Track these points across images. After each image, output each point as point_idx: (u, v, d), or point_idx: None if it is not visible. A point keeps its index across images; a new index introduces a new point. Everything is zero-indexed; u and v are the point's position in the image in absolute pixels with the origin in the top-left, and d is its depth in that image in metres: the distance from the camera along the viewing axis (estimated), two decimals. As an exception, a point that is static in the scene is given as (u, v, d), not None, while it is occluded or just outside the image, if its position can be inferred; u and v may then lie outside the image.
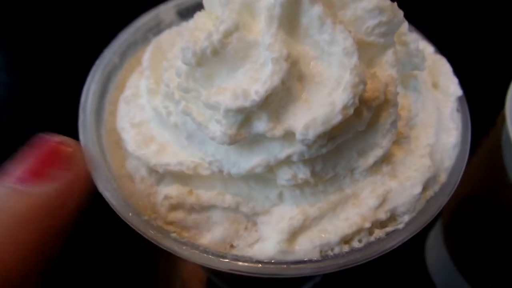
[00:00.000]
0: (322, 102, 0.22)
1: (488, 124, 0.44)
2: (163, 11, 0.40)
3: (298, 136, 0.22)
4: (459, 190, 0.52)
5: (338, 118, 0.21)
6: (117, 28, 0.39)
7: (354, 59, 0.22)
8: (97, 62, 0.35)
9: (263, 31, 0.23)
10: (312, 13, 0.22)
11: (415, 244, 0.60)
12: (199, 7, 0.35)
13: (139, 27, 0.38)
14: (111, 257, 0.57)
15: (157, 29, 0.40)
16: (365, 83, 0.22)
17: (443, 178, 0.27)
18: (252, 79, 0.23)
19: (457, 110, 0.31)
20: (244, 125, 0.23)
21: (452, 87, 0.31)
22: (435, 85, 0.32)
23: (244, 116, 0.22)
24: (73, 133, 0.31)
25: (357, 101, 0.22)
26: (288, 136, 0.23)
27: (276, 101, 0.22)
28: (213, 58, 0.23)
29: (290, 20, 0.23)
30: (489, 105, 0.41)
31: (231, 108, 0.22)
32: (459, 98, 0.31)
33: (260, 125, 0.23)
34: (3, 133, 0.71)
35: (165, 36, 0.36)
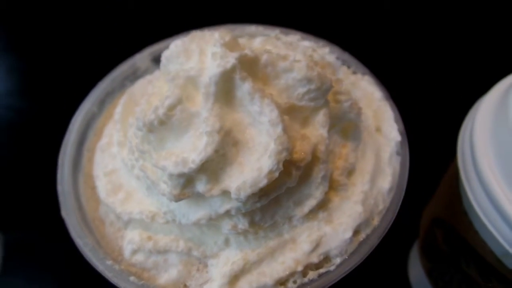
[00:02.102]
0: (252, 167, 0.25)
1: (453, 149, 0.46)
2: (139, 60, 0.43)
3: (232, 196, 0.25)
4: (431, 211, 0.55)
5: (264, 181, 0.25)
6: (95, 71, 0.43)
7: (279, 130, 0.25)
8: (77, 112, 0.39)
9: (201, 105, 0.26)
10: (243, 89, 0.26)
11: (399, 259, 0.63)
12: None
13: (116, 76, 0.42)
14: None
15: (134, 76, 0.43)
16: (288, 150, 0.25)
17: (376, 221, 0.30)
18: (194, 146, 0.26)
19: (397, 154, 0.34)
20: (187, 185, 0.26)
21: (393, 132, 0.34)
22: (378, 129, 0.35)
23: (186, 179, 0.26)
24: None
25: (281, 166, 0.25)
26: (226, 194, 0.26)
27: (213, 165, 0.26)
28: (160, 127, 0.27)
29: (226, 93, 0.26)
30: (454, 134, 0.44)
31: (173, 173, 0.25)
32: (400, 142, 0.34)
33: (200, 186, 0.26)
34: (11, 157, 0.77)
35: (138, 86, 0.40)
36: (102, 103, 0.41)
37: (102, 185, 0.34)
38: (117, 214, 0.31)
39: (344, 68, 0.40)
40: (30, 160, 0.76)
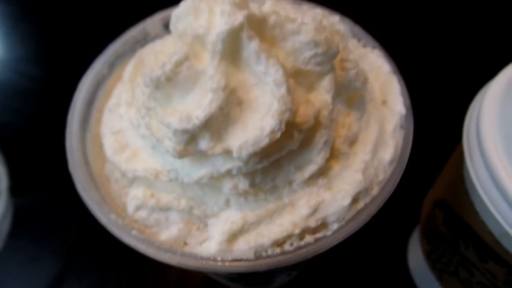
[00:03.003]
0: (255, 126, 0.26)
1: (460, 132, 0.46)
2: (150, 24, 0.43)
3: (234, 155, 0.26)
4: (433, 194, 0.55)
5: (265, 141, 0.25)
6: (109, 37, 0.43)
7: (283, 90, 0.25)
8: (87, 72, 0.39)
9: (208, 63, 0.26)
10: (249, 48, 0.26)
11: (398, 242, 0.63)
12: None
13: (127, 40, 0.42)
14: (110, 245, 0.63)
15: (144, 41, 0.44)
16: (291, 111, 0.25)
17: (375, 191, 0.30)
18: (199, 103, 0.27)
19: (401, 127, 0.34)
20: (191, 142, 0.27)
21: (398, 105, 0.34)
22: (384, 102, 0.35)
23: (189, 136, 0.26)
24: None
25: (283, 126, 0.25)
26: (229, 153, 0.27)
27: (217, 123, 0.26)
28: (167, 83, 0.27)
29: (233, 52, 0.27)
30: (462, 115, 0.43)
31: (178, 129, 0.26)
32: (405, 116, 0.34)
33: (203, 143, 0.26)
34: (27, 125, 0.78)
35: (148, 49, 0.40)
36: (112, 65, 0.41)
37: (109, 144, 0.34)
38: (123, 171, 0.32)
39: (354, 41, 0.40)
40: (42, 126, 0.77)
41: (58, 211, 0.70)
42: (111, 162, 0.33)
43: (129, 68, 0.37)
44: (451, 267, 0.49)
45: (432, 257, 0.54)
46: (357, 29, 0.41)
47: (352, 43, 0.39)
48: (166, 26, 0.45)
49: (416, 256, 0.60)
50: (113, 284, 0.61)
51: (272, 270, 0.40)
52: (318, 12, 0.32)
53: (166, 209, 0.30)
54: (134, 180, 0.33)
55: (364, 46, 0.40)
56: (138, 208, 0.31)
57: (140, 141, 0.33)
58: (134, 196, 0.31)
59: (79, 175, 0.32)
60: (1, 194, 0.66)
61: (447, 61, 0.75)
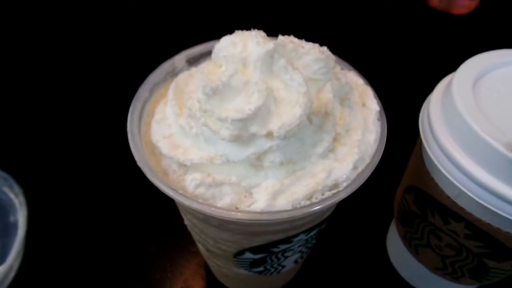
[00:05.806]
0: (287, 114, 0.38)
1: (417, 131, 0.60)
2: (177, 60, 0.56)
3: (275, 134, 0.38)
4: (402, 184, 0.68)
5: (297, 122, 0.37)
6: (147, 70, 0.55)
7: (304, 88, 0.38)
8: (135, 97, 0.50)
9: (251, 74, 0.39)
10: (279, 63, 0.39)
11: (378, 237, 0.75)
12: (202, 56, 0.52)
13: (161, 71, 0.54)
14: (115, 255, 0.69)
15: (173, 72, 0.56)
16: (312, 102, 0.38)
17: (367, 160, 0.43)
18: (246, 102, 0.39)
19: (378, 120, 0.48)
20: (243, 128, 0.38)
21: (373, 105, 0.48)
22: (363, 105, 0.49)
23: (243, 124, 0.38)
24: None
25: (307, 112, 0.38)
26: (269, 135, 0.39)
27: (261, 114, 0.38)
28: (223, 89, 0.39)
29: (268, 67, 0.40)
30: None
31: (235, 119, 0.38)
32: (379, 112, 0.48)
33: (253, 128, 0.38)
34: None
35: (181, 78, 0.52)
36: (151, 91, 0.52)
37: (163, 145, 0.44)
38: (181, 162, 0.42)
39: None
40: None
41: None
42: (169, 157, 0.43)
43: (170, 91, 0.49)
44: (423, 240, 0.62)
45: (407, 237, 0.66)
46: (336, 57, 0.56)
47: (334, 67, 0.54)
48: (188, 61, 0.57)
49: (394, 245, 0.72)
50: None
51: (286, 249, 0.51)
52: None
53: (220, 184, 0.41)
54: (189, 168, 0.43)
55: (342, 69, 0.55)
56: (197, 186, 0.41)
57: (190, 141, 0.44)
58: (194, 178, 0.41)
59: (148, 167, 0.42)
60: (19, 225, 0.70)
61: (404, 75, 0.99)
